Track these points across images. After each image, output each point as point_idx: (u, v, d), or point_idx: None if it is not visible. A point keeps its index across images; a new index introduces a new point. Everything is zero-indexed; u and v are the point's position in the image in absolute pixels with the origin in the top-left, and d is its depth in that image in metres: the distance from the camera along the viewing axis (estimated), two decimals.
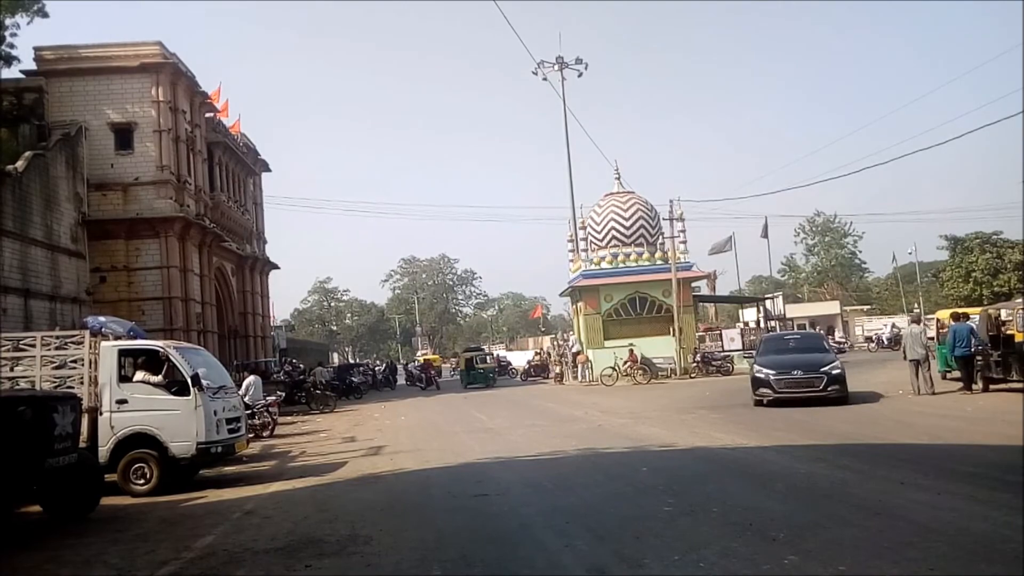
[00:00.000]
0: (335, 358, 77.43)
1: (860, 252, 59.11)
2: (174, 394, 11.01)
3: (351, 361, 62.26)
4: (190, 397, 10.93)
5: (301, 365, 30.16)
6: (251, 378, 19.07)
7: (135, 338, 12.25)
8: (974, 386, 16.65)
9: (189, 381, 10.91)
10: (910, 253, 46.58)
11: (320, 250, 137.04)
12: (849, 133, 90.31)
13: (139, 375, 11.12)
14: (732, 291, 47.09)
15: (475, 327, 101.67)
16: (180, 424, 10.91)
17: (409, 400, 29.83)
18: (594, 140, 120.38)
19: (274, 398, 18.91)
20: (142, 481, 10.82)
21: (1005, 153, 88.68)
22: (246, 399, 18.29)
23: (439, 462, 11.61)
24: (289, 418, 24.51)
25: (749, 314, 37.56)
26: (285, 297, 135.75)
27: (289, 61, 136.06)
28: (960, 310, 18.03)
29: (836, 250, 59.69)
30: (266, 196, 44.99)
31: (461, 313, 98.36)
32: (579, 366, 32.79)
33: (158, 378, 11.05)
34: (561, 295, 37.68)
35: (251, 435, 18.37)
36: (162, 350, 11.25)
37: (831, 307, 48.78)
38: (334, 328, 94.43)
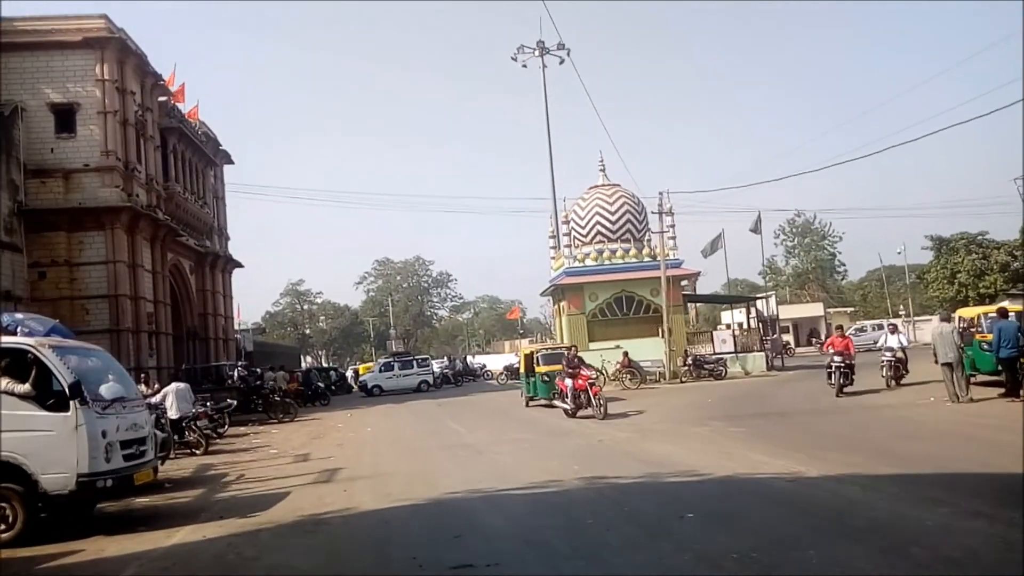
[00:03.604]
0: (308, 362, 73.93)
1: (840, 254, 57.46)
2: (47, 409, 8.03)
3: (325, 365, 58.88)
4: (68, 413, 7.96)
5: (258, 370, 27.08)
6: (173, 386, 15.97)
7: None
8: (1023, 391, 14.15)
9: (68, 391, 7.94)
10: (899, 253, 44.77)
11: (292, 252, 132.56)
12: (840, 124, 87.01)
13: (2, 383, 8.09)
14: (714, 292, 44.79)
15: (451, 330, 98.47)
16: (54, 449, 7.92)
17: (379, 407, 26.83)
18: (576, 129, 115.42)
19: (204, 409, 15.82)
20: (2, 526, 7.83)
21: (991, 148, 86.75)
22: (171, 412, 15.28)
23: (405, 497, 8.72)
24: (243, 428, 21.44)
25: (730, 317, 35.09)
26: (256, 300, 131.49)
27: (255, 50, 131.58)
28: (1007, 306, 15.53)
29: (816, 252, 57.75)
30: (232, 190, 41.78)
31: (436, 316, 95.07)
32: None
33: (25, 387, 8.04)
34: (542, 294, 34.96)
35: (186, 453, 15.38)
36: (31, 349, 8.22)
37: (815, 309, 46.70)
38: (307, 332, 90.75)
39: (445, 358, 50.99)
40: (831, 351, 17.72)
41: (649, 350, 28.29)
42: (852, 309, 54.73)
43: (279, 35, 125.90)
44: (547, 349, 22.52)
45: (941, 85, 52.77)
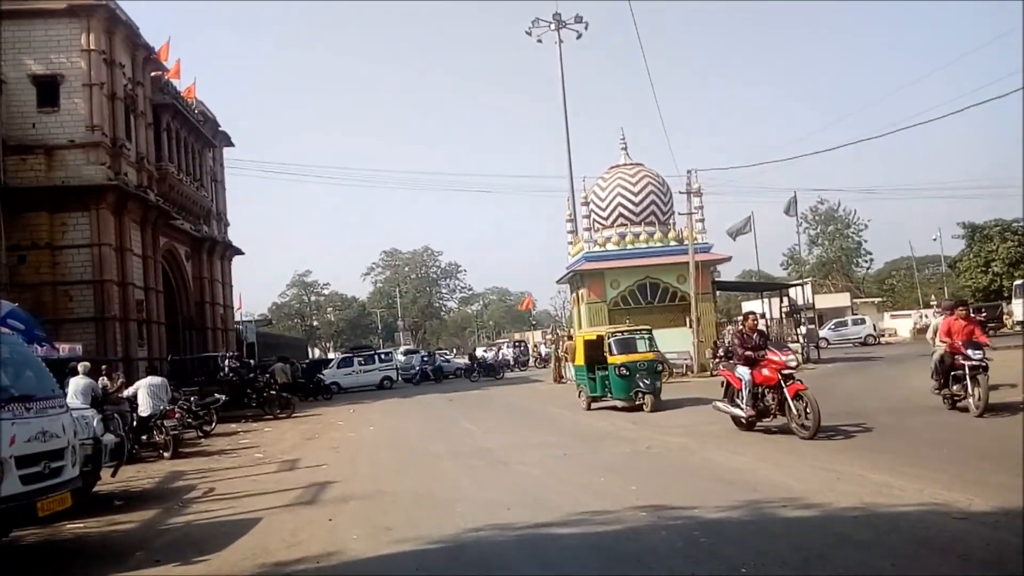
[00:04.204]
0: (314, 355, 71.62)
1: (865, 242, 54.52)
2: None
3: (331, 357, 56.46)
4: None
5: (251, 361, 24.74)
6: (145, 380, 13.63)
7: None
8: None
9: None
10: (935, 239, 41.87)
11: (299, 241, 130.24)
12: (880, 98, 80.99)
13: None
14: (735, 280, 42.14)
15: (459, 322, 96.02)
16: None
17: (381, 403, 24.42)
18: (594, 113, 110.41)
19: (173, 407, 13.42)
20: None
21: None
22: (142, 409, 12.97)
23: (408, 534, 6.25)
24: (234, 426, 19.11)
25: (759, 306, 32.50)
26: (262, 291, 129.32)
27: (258, 26, 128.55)
28: None
29: (840, 240, 54.87)
30: (232, 167, 39.33)
31: (445, 307, 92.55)
32: (567, 362, 27.49)
33: None
34: (559, 282, 32.37)
35: (156, 456, 13.01)
36: None
37: (841, 299, 44.03)
38: (315, 324, 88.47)
39: (454, 349, 48.41)
40: (941, 341, 11.46)
41: (675, 341, 25.69)
42: (879, 300, 52.02)
43: (282, 9, 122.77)
44: (623, 331, 16.75)
45: (991, 53, 49.24)
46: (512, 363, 42.02)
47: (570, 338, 28.88)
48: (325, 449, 12.98)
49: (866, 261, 52.20)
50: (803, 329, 27.94)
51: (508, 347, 48.38)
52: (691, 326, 26.32)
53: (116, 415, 13.45)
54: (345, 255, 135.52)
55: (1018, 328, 34.02)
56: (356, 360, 34.28)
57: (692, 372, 25.38)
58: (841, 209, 55.52)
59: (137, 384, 13.59)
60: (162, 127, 29.76)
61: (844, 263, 51.77)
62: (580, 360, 17.38)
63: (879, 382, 18.28)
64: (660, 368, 15.65)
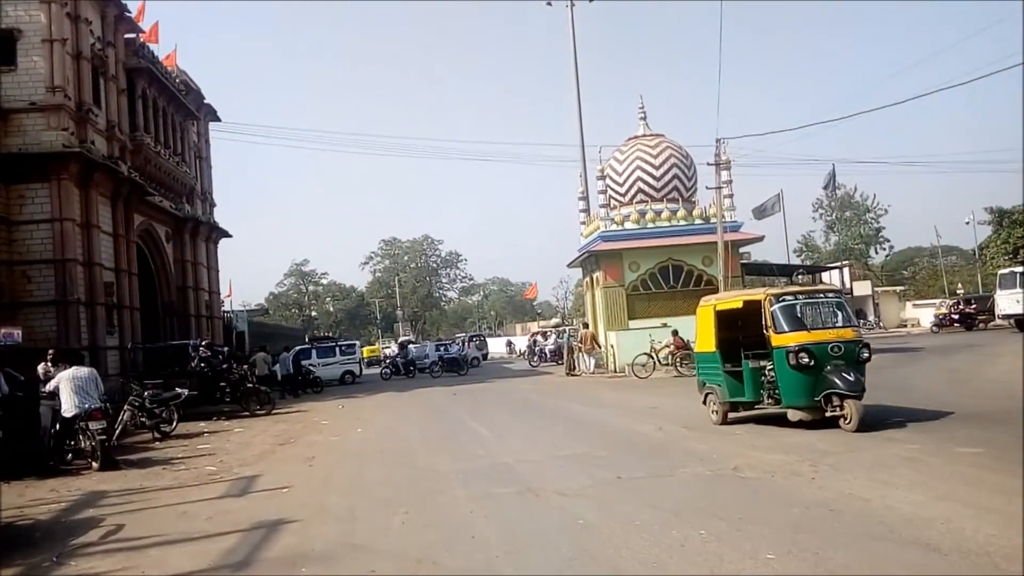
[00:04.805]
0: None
1: (883, 229, 51.36)
2: None
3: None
4: None
5: (226, 349, 21.73)
6: (68, 372, 10.52)
7: None
8: None
9: None
10: (967, 223, 38.86)
11: (296, 229, 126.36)
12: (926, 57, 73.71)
13: None
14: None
15: (460, 312, 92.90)
16: None
17: (377, 396, 21.43)
18: (609, 86, 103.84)
19: (99, 407, 10.36)
20: None
21: None
22: (65, 409, 10.00)
23: None
24: (203, 424, 16.10)
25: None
26: (260, 280, 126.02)
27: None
28: None
29: (858, 227, 51.80)
30: (219, 131, 36.19)
31: (445, 298, 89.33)
32: (582, 352, 24.51)
33: None
34: (570, 265, 29.25)
35: (83, 465, 10.00)
36: None
37: (861, 287, 41.09)
38: (313, 314, 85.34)
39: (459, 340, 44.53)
40: None
41: None
42: (902, 288, 49.04)
43: None
44: (799, 292, 9.99)
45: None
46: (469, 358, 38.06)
47: (585, 327, 25.94)
48: (297, 461, 9.98)
49: (883, 248, 49.19)
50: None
51: (467, 341, 43.45)
52: None
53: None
54: (343, 244, 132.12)
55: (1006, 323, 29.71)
56: (314, 352, 30.20)
57: None
58: (858, 194, 52.54)
59: (59, 377, 10.55)
60: (136, 94, 26.60)
61: (863, 250, 48.69)
62: (709, 344, 10.97)
63: (958, 374, 15.28)
64: (867, 355, 9.48)
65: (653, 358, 20.58)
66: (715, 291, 23.86)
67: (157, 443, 13.18)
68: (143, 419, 13.60)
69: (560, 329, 40.03)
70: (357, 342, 38.08)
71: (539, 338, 38.52)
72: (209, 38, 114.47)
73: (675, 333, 20.87)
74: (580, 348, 24.76)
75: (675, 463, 7.69)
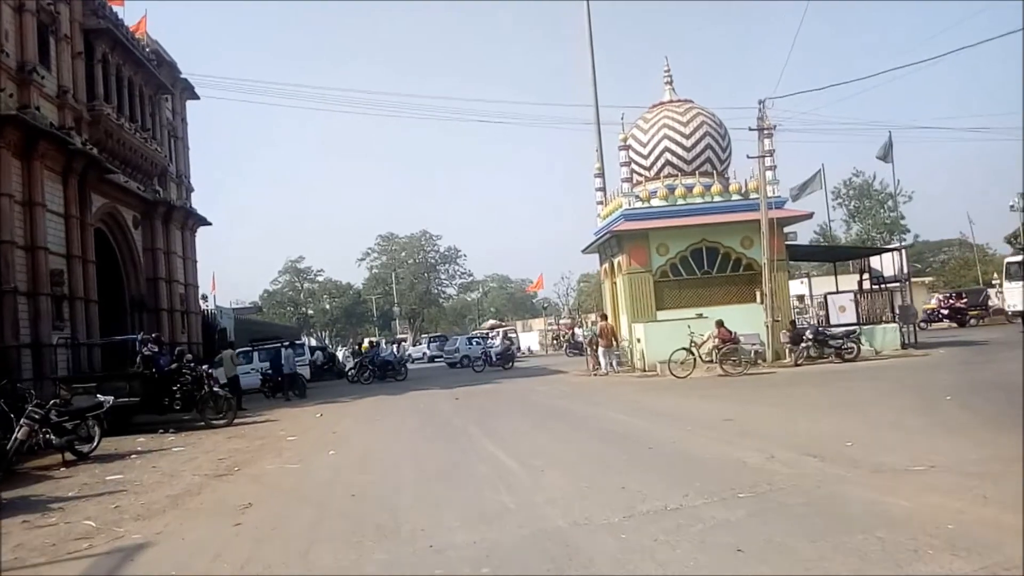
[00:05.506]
0: (311, 343, 64.84)
1: (903, 219, 47.89)
2: None
3: (314, 344, 49.52)
4: None
5: (180, 348, 18.14)
6: None
7: None
8: None
9: None
10: (1012, 207, 35.37)
11: (290, 224, 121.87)
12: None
13: None
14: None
15: (459, 309, 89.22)
16: None
17: (364, 401, 17.91)
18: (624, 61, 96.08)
19: None
20: None
21: None
22: None
23: None
24: (142, 439, 12.59)
25: (832, 283, 26.03)
26: (258, 279, 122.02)
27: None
28: None
29: (883, 215, 48.41)
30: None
31: (444, 294, 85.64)
32: (601, 348, 21.05)
33: None
34: (585, 251, 25.45)
35: None
36: None
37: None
38: (309, 312, 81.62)
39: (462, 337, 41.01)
40: None
41: (740, 321, 19.05)
42: (931, 279, 45.63)
43: None
44: None
45: None
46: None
47: (604, 318, 22.42)
48: (221, 513, 6.45)
49: (904, 237, 45.73)
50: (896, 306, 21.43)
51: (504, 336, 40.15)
52: (762, 302, 19.89)
53: None
54: (339, 240, 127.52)
55: (1017, 319, 25.80)
56: (256, 355, 25.43)
57: (765, 361, 18.90)
58: (877, 182, 49.16)
59: None
60: (96, 58, 23.06)
61: (886, 239, 45.34)
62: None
63: None
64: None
65: (694, 354, 17.08)
66: (756, 277, 20.43)
67: (62, 469, 9.68)
68: (48, 435, 10.06)
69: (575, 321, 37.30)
70: (305, 343, 33.98)
71: (577, 329, 37.22)
72: (201, 34, 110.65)
73: (720, 324, 17.33)
74: (599, 343, 21.28)
75: (870, 544, 4.17)
